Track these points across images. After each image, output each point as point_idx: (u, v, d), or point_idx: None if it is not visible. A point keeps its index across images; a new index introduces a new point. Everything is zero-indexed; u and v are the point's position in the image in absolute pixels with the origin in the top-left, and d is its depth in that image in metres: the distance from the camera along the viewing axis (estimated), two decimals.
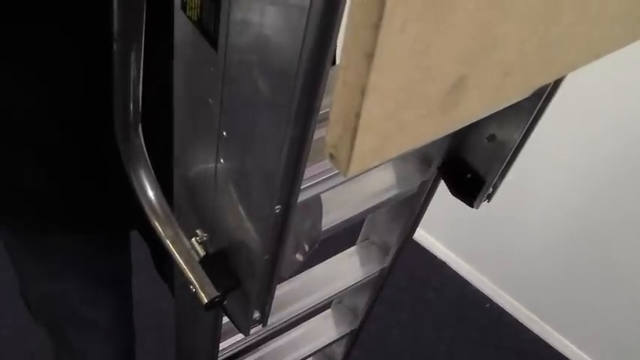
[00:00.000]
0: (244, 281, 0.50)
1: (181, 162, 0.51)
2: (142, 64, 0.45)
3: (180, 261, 0.52)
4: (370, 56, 0.23)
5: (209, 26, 0.38)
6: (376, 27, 0.22)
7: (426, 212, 0.77)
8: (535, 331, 1.77)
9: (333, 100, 0.26)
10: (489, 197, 0.66)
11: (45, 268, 0.83)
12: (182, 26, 0.41)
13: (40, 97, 0.59)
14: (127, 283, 0.93)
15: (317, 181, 0.47)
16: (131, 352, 1.08)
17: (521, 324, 1.79)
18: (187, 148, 0.49)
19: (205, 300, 0.49)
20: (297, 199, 0.42)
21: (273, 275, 0.48)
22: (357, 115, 0.25)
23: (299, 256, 0.56)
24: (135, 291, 1.10)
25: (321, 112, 0.35)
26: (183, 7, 0.40)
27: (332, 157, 0.27)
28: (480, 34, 0.27)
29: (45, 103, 0.60)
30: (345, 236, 0.75)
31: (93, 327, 0.94)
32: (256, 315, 0.54)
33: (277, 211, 0.41)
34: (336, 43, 0.31)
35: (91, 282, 0.86)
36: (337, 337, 0.95)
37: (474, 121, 0.33)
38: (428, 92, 0.27)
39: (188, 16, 0.39)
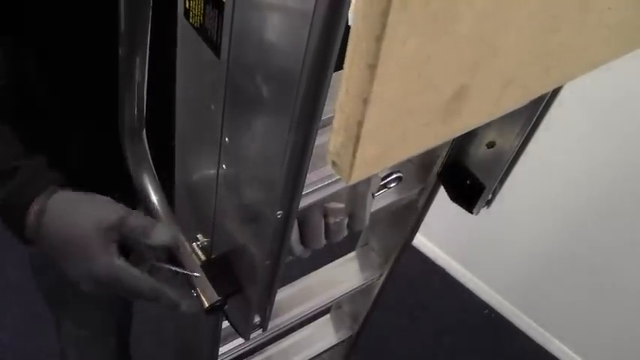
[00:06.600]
0: (245, 286, 0.50)
1: (183, 167, 0.51)
2: (146, 69, 0.45)
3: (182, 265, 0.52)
4: (373, 67, 0.23)
5: (211, 33, 0.38)
6: (379, 39, 0.23)
7: (425, 218, 0.77)
8: (534, 338, 1.77)
9: (337, 109, 0.26)
10: (489, 203, 0.67)
11: None
12: (185, 33, 0.41)
13: None
14: None
15: (318, 186, 0.48)
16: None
17: (520, 330, 1.78)
18: (189, 154, 0.50)
19: (207, 304, 0.50)
20: (298, 205, 0.42)
21: (275, 280, 0.48)
22: (360, 124, 0.25)
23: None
24: None
25: (322, 119, 0.35)
26: (186, 14, 0.40)
27: (334, 164, 0.27)
28: (481, 45, 0.27)
29: None
30: (344, 242, 0.75)
31: None
32: (257, 319, 0.54)
33: (279, 216, 0.41)
34: (337, 49, 0.32)
35: None
36: (336, 342, 0.95)
37: (474, 128, 0.33)
38: (429, 101, 0.28)
39: (191, 23, 0.40)
